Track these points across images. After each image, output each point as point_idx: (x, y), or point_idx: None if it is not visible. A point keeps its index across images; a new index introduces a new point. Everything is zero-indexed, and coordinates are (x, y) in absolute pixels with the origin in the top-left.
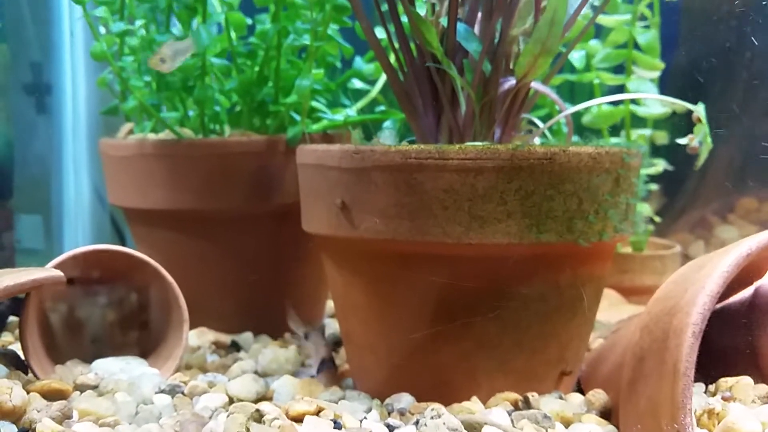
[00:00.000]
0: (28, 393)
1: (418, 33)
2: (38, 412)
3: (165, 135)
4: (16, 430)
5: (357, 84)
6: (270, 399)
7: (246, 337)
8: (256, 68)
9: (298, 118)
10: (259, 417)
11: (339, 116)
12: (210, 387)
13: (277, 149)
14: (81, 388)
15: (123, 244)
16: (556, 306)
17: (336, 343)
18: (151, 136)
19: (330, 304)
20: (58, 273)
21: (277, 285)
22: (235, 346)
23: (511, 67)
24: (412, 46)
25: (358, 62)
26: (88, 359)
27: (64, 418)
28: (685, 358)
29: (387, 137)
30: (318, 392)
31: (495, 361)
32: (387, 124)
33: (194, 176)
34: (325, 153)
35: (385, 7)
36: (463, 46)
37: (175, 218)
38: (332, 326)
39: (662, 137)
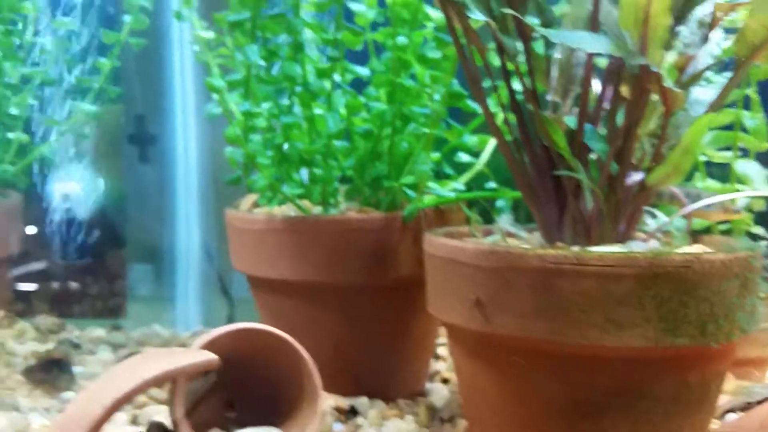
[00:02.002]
0: None
1: (545, 133)
2: None
3: (287, 207)
4: None
5: (464, 157)
6: None
7: (362, 401)
8: (370, 146)
9: (411, 193)
10: None
11: (450, 192)
12: None
13: (393, 226)
14: None
15: (229, 300)
16: (684, 403)
17: (450, 419)
18: (276, 210)
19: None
20: (213, 357)
21: (388, 351)
22: (353, 411)
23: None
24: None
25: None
26: (223, 427)
27: None
28: None
29: (506, 221)
30: None
31: None
32: (500, 203)
33: (318, 250)
34: (458, 249)
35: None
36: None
37: (299, 288)
38: (438, 393)
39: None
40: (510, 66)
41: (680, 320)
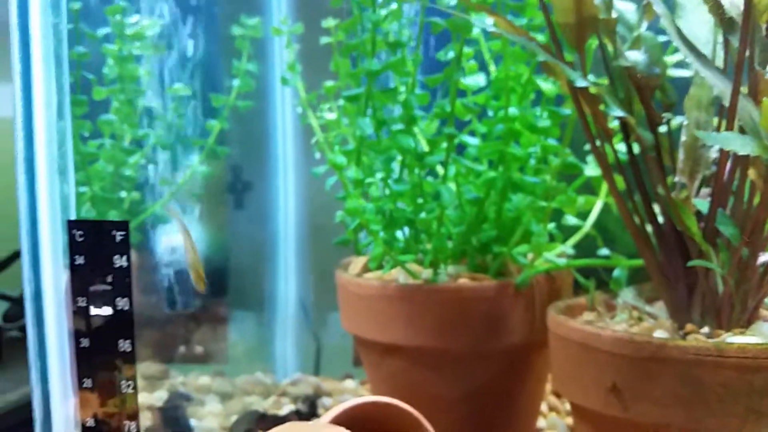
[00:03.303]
0: None
1: (678, 218)
2: None
3: (397, 271)
4: None
5: (570, 220)
6: None
7: None
8: (476, 211)
9: (522, 259)
10: None
11: (559, 259)
12: None
13: (506, 292)
14: None
15: (318, 355)
16: None
17: None
18: (387, 276)
19: None
20: None
21: (497, 416)
22: None
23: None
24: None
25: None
26: None
27: None
28: None
29: (629, 296)
30: None
31: None
32: (617, 273)
33: (431, 316)
34: (593, 335)
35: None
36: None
37: (410, 352)
38: None
39: None
40: (635, 148)
41: None
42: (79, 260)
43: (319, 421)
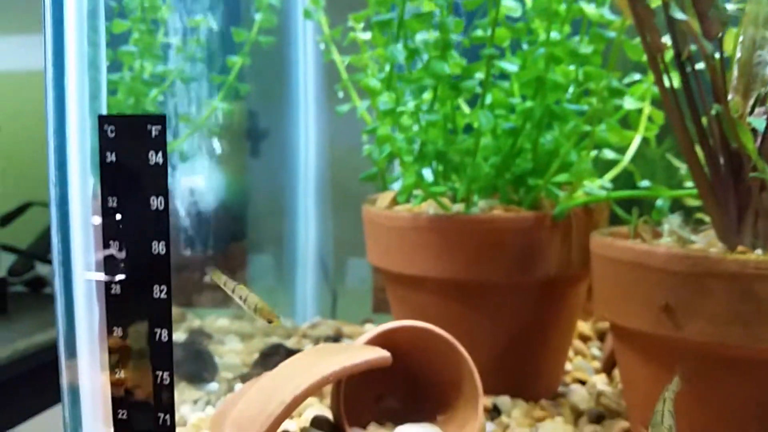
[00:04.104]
0: None
1: (734, 135)
2: None
3: (427, 205)
4: None
5: (608, 154)
6: None
7: (504, 400)
8: (512, 143)
9: (557, 191)
10: None
11: (599, 190)
12: None
13: (543, 225)
14: None
15: (335, 301)
16: None
17: (598, 419)
18: (416, 208)
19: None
20: (387, 354)
21: (531, 350)
22: (496, 410)
23: None
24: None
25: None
26: (377, 421)
27: None
28: None
29: (675, 223)
30: None
31: None
32: (660, 203)
33: (463, 248)
34: (646, 253)
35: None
36: None
37: (442, 285)
38: (577, 393)
39: None
40: (688, 67)
41: None
42: (111, 157)
43: (355, 342)
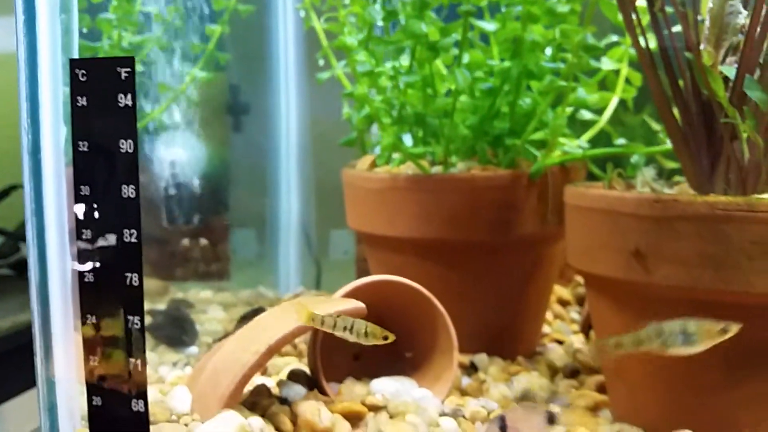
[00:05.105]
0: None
1: (705, 82)
2: None
3: (406, 167)
4: None
5: (585, 115)
6: None
7: (482, 358)
8: (490, 103)
9: (534, 151)
10: None
11: (575, 149)
12: (488, 413)
13: (519, 183)
14: (371, 408)
15: (317, 265)
16: None
17: (573, 374)
18: (396, 170)
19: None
20: (361, 305)
21: (508, 310)
22: (474, 367)
23: None
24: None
25: (580, 91)
26: (355, 377)
27: None
28: None
29: (648, 175)
30: (592, 424)
31: None
32: (635, 159)
33: (441, 208)
34: (617, 199)
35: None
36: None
37: (420, 246)
38: (554, 351)
39: None
40: (659, 16)
41: None
42: (82, 101)
43: (334, 295)
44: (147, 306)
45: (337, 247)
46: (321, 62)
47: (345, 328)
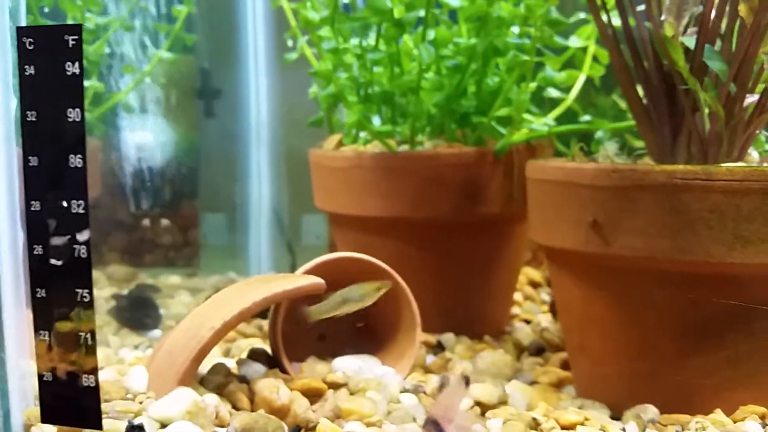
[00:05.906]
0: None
1: (666, 53)
2: (312, 411)
3: (373, 146)
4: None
5: (552, 92)
6: (505, 404)
7: (448, 337)
8: (457, 81)
9: (501, 129)
10: (535, 425)
11: (541, 126)
12: None
13: (485, 160)
14: (332, 386)
15: (291, 251)
16: None
17: (538, 352)
18: (362, 148)
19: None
20: (320, 281)
21: (476, 289)
22: (440, 346)
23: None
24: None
25: (548, 70)
26: (318, 356)
27: (335, 417)
28: None
29: (611, 149)
30: (554, 400)
31: (741, 375)
32: (600, 134)
33: (407, 186)
34: (575, 171)
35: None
36: (704, 66)
37: (387, 224)
38: (522, 330)
39: None
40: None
41: None
42: (30, 70)
43: (296, 272)
44: (113, 291)
45: (310, 231)
46: (290, 43)
47: (344, 301)
